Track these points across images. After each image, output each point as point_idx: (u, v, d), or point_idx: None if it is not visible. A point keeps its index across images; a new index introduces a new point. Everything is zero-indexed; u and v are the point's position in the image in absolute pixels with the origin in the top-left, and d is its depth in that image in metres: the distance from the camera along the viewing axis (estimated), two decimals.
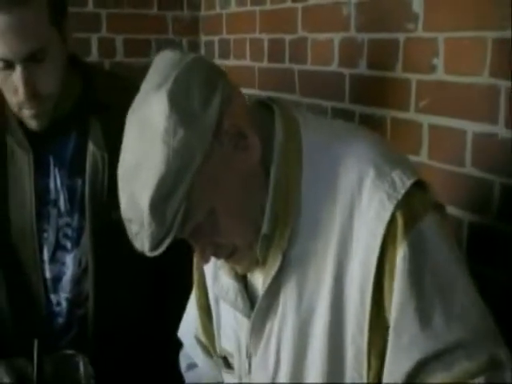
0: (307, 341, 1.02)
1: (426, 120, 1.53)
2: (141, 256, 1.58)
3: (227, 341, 1.19)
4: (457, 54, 1.43)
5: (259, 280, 1.07)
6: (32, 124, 1.46)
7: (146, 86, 0.99)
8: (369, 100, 1.71)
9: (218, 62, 2.60)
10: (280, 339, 1.05)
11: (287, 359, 1.04)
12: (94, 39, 2.55)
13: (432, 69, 1.49)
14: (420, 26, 1.51)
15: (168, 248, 1.62)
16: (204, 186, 0.95)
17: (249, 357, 1.11)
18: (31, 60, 1.35)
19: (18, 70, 1.36)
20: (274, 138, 1.02)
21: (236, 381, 1.18)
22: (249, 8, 2.32)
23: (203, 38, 2.73)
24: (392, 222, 0.94)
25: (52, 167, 1.54)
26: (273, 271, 1.01)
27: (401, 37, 1.58)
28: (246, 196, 1.00)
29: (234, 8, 2.45)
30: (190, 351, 1.38)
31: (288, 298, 1.02)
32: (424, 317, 0.93)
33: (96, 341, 1.59)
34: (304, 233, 1.01)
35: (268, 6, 2.19)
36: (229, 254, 1.04)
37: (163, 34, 2.68)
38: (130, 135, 0.99)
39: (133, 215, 0.97)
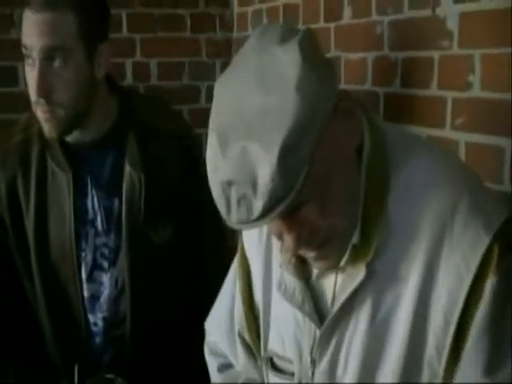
0: (378, 358, 0.99)
1: (463, 138, 1.51)
2: (177, 276, 1.62)
3: (278, 342, 1.13)
4: (493, 71, 1.41)
5: (327, 287, 1.04)
6: (45, 129, 1.49)
7: (256, 44, 0.93)
8: (403, 118, 1.70)
9: None
10: (349, 352, 1.01)
11: (355, 373, 1.01)
12: (129, 64, 2.59)
13: (468, 86, 1.47)
14: (455, 43, 1.50)
15: (206, 269, 1.64)
16: (322, 154, 0.89)
17: (312, 364, 1.06)
18: (49, 62, 1.40)
19: (37, 66, 1.41)
20: (363, 142, 0.99)
21: None
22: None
23: None
24: (487, 254, 0.92)
25: (89, 187, 1.56)
26: (354, 283, 0.98)
27: (435, 54, 1.56)
28: (347, 181, 0.96)
29: None
30: (225, 349, 1.30)
31: (362, 310, 0.99)
32: (492, 362, 0.92)
33: (134, 362, 1.60)
34: (389, 248, 0.97)
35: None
36: (320, 243, 0.97)
37: (196, 56, 2.70)
38: (241, 89, 0.90)
39: (241, 173, 0.87)
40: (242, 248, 1.22)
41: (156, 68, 2.63)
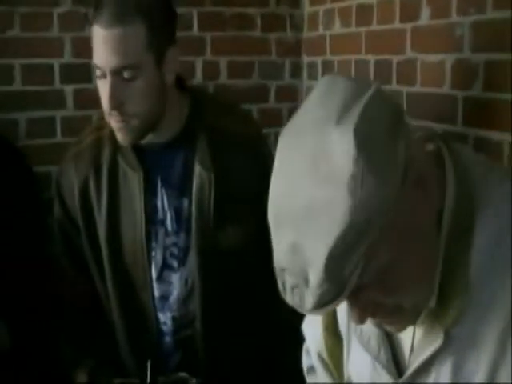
0: None
1: None
2: (249, 280, 1.60)
3: (357, 377, 1.09)
4: None
5: (405, 334, 0.98)
6: (118, 136, 1.50)
7: (315, 112, 0.85)
8: (485, 123, 1.64)
9: None
10: None
11: None
12: (199, 62, 2.58)
13: None
14: None
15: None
16: (385, 240, 0.81)
17: None
18: (120, 75, 1.41)
19: (108, 81, 1.42)
20: (446, 190, 0.90)
21: None
22: (354, 29, 2.29)
23: (306, 59, 2.72)
24: None
25: (159, 187, 1.56)
26: (432, 348, 0.92)
27: None
28: (419, 254, 0.88)
29: (338, 29, 2.42)
30: (312, 353, 1.27)
31: (443, 372, 0.93)
32: None
33: (204, 364, 1.59)
34: (472, 312, 0.89)
35: (374, 27, 2.15)
36: (387, 315, 0.92)
37: (266, 55, 2.68)
38: (298, 167, 0.84)
39: (293, 266, 0.83)
40: None
41: (226, 67, 2.62)
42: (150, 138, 1.54)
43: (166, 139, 1.55)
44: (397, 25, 2.02)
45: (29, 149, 2.21)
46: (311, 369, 1.30)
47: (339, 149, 0.79)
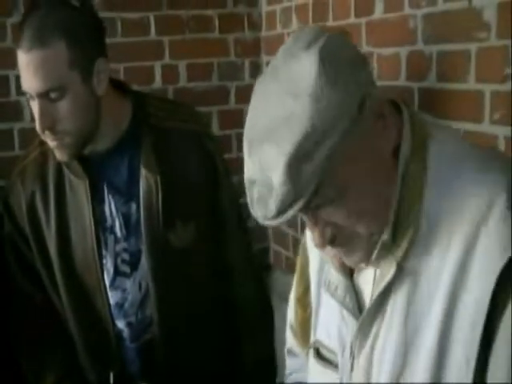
0: (409, 356, 0.98)
1: (502, 132, 1.46)
2: (203, 278, 1.61)
3: (325, 334, 1.16)
4: None
5: (367, 281, 1.05)
6: (56, 154, 1.49)
7: (289, 47, 0.95)
8: (440, 113, 1.65)
9: None
10: (384, 346, 1.01)
11: (388, 367, 1.01)
12: (158, 66, 2.57)
13: (507, 78, 1.43)
14: (493, 34, 1.45)
15: (232, 269, 1.63)
16: (343, 158, 0.91)
17: (352, 357, 1.07)
18: (47, 96, 1.40)
19: (36, 103, 1.41)
20: (402, 138, 0.99)
21: (331, 375, 1.14)
22: (310, 26, 2.29)
23: (265, 59, 2.72)
24: None
25: (106, 194, 1.55)
26: (386, 279, 0.99)
27: (472, 47, 1.52)
28: (376, 183, 0.97)
29: (295, 27, 2.43)
30: (288, 337, 1.35)
31: (396, 307, 0.99)
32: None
33: (166, 368, 1.58)
34: (421, 247, 0.97)
35: (330, 23, 2.16)
36: (346, 241, 0.99)
37: (225, 56, 2.68)
38: (270, 93, 0.94)
39: (260, 176, 0.92)
40: (304, 242, 1.25)
41: (185, 70, 2.61)
42: (92, 147, 1.53)
43: (109, 145, 1.54)
44: (352, 20, 2.03)
45: None
46: (290, 351, 1.36)
47: (305, 66, 0.90)
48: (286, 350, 1.38)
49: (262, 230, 2.80)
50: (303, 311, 1.24)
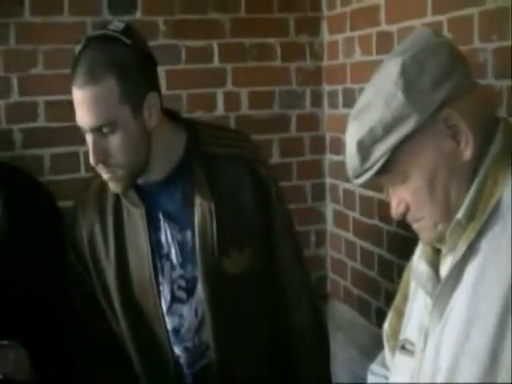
0: (471, 334, 1.05)
1: None
2: (259, 303, 1.61)
3: (411, 329, 1.25)
4: None
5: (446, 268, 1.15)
6: (110, 186, 1.53)
7: (398, 46, 1.17)
8: None
9: (342, 111, 2.58)
10: (452, 322, 1.09)
11: (452, 344, 1.08)
12: (220, 93, 2.60)
13: None
14: None
15: (286, 291, 1.63)
16: (408, 150, 1.10)
17: (425, 336, 1.16)
18: (100, 131, 1.44)
19: (89, 137, 1.46)
20: (493, 143, 1.11)
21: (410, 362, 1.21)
22: (375, 57, 2.29)
23: (326, 88, 2.72)
24: None
25: (162, 222, 1.57)
26: (456, 258, 1.09)
27: None
28: (444, 178, 1.11)
29: (358, 57, 2.42)
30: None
31: (464, 287, 1.08)
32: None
33: None
34: (493, 231, 1.07)
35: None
36: (414, 220, 1.17)
37: (286, 85, 2.69)
38: (370, 83, 1.16)
39: (347, 145, 1.16)
40: (411, 261, 1.34)
41: (246, 97, 2.63)
42: (147, 177, 1.56)
43: (163, 175, 1.57)
44: None
45: (53, 184, 2.23)
46: (371, 370, 1.46)
47: (389, 70, 1.11)
48: (369, 369, 1.45)
49: (320, 258, 2.78)
50: (397, 319, 1.35)
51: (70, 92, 2.31)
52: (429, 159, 1.10)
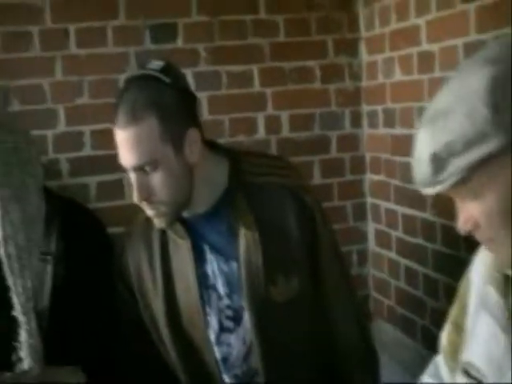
0: None
1: None
2: (307, 328, 1.61)
3: (476, 355, 1.20)
4: None
5: None
6: (155, 222, 1.56)
7: (481, 53, 1.07)
8: None
9: (382, 131, 2.59)
10: None
11: None
12: (261, 117, 2.63)
13: None
14: None
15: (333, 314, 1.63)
16: (486, 172, 1.02)
17: (499, 371, 1.12)
18: (142, 169, 1.46)
19: (132, 175, 1.48)
20: None
21: None
22: (415, 76, 2.29)
23: (365, 108, 2.73)
24: None
25: (207, 253, 1.59)
26: None
27: None
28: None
29: (398, 77, 2.43)
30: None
31: None
32: None
33: None
34: None
35: (436, 74, 2.15)
36: (483, 239, 1.11)
37: (326, 106, 2.71)
38: (451, 82, 1.07)
39: (418, 150, 1.08)
40: (468, 272, 1.31)
41: (287, 120, 2.66)
42: (191, 210, 1.58)
43: (207, 207, 1.58)
44: None
45: (98, 211, 2.28)
46: None
47: (474, 81, 1.02)
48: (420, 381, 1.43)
49: (362, 277, 2.78)
50: (456, 334, 1.31)
51: (113, 121, 2.41)
52: (506, 183, 1.03)
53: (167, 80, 1.48)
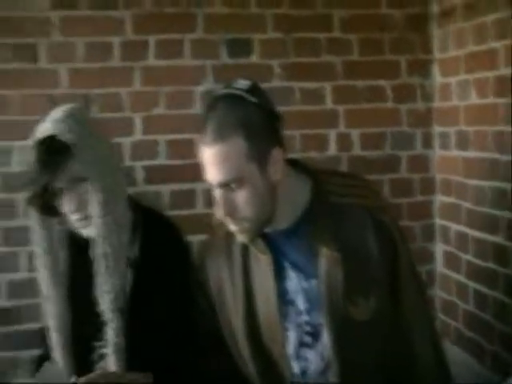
0: None
1: None
2: (383, 344, 1.61)
3: None
4: None
5: None
6: (237, 237, 1.58)
7: None
8: None
9: (454, 152, 2.57)
10: None
11: None
12: (333, 134, 2.65)
13: None
14: None
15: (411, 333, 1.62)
16: None
17: None
18: (227, 186, 1.48)
19: (218, 192, 1.50)
20: None
21: None
22: (491, 100, 2.28)
23: (437, 129, 2.72)
24: None
25: (288, 270, 1.60)
26: None
27: None
28: None
29: (474, 100, 2.42)
30: None
31: None
32: None
33: None
34: None
35: None
36: None
37: (397, 126, 2.71)
38: None
39: None
40: None
41: (358, 138, 2.67)
42: (273, 227, 1.59)
43: (289, 224, 1.59)
44: None
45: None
46: None
47: None
48: None
49: (429, 298, 2.75)
50: None
51: (188, 131, 2.47)
52: None
53: (254, 100, 1.50)
